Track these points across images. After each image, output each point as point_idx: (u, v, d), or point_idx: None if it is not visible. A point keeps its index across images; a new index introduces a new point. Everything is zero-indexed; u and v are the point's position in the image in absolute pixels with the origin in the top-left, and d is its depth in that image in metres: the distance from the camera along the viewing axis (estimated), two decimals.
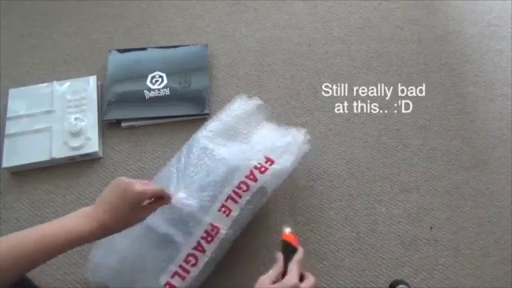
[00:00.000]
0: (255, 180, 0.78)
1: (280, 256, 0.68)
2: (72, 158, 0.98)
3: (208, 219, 0.76)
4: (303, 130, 0.87)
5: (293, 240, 0.71)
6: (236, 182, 0.78)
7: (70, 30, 1.17)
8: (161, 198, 0.71)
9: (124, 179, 0.65)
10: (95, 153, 0.98)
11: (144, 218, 0.67)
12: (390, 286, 0.85)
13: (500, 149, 1.00)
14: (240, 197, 0.78)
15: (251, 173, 0.78)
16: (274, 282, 0.64)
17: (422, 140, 1.01)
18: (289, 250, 0.69)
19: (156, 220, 0.78)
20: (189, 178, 0.80)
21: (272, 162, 0.80)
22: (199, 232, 0.76)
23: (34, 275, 0.82)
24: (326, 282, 0.86)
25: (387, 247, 0.89)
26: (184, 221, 0.77)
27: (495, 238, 0.90)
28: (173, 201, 0.74)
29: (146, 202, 0.67)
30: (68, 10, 1.21)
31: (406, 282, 0.84)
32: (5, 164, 0.96)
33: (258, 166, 0.79)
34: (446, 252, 0.89)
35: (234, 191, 0.78)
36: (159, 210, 0.72)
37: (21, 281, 0.74)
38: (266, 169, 0.79)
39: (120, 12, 1.20)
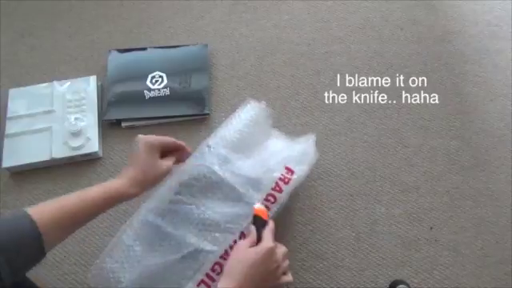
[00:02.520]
0: (281, 191, 0.78)
1: (253, 228, 0.72)
2: (72, 158, 0.98)
3: (239, 228, 0.76)
4: (312, 139, 0.88)
5: (263, 214, 0.74)
6: (264, 195, 0.78)
7: (70, 30, 1.17)
8: (178, 151, 0.79)
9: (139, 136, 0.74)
10: (95, 153, 0.98)
11: (168, 169, 0.74)
12: (390, 286, 0.85)
13: (500, 149, 1.00)
14: (269, 209, 0.78)
15: (277, 184, 0.79)
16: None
17: (422, 140, 1.01)
18: (260, 223, 0.73)
19: (178, 229, 0.78)
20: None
21: (293, 173, 0.81)
22: (227, 241, 0.75)
23: (33, 275, 0.82)
24: (326, 281, 0.86)
25: (387, 247, 0.89)
26: (207, 230, 0.77)
27: (495, 238, 0.90)
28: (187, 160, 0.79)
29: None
30: (68, 9, 1.21)
31: (406, 282, 0.84)
32: (5, 164, 0.96)
33: (282, 177, 0.79)
34: (445, 252, 0.89)
35: (263, 204, 0.77)
36: (181, 221, 0.77)
37: (20, 281, 0.74)
38: (290, 179, 0.80)
39: (120, 12, 1.20)
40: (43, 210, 0.60)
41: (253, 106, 0.88)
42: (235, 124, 0.85)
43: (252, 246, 0.69)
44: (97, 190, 0.66)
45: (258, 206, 0.75)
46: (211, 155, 0.80)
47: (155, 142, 0.73)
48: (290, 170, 0.81)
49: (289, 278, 0.72)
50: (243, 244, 0.69)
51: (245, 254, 0.67)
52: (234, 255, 0.69)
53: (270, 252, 0.67)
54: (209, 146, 0.80)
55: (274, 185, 0.79)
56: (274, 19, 1.18)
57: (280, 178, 0.79)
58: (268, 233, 0.71)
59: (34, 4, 1.22)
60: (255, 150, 0.85)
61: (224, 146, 0.82)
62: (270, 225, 0.73)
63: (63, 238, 0.64)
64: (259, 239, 0.71)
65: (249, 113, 0.87)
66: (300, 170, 0.81)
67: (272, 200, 0.78)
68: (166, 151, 0.77)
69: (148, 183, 0.72)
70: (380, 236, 0.90)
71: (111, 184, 0.68)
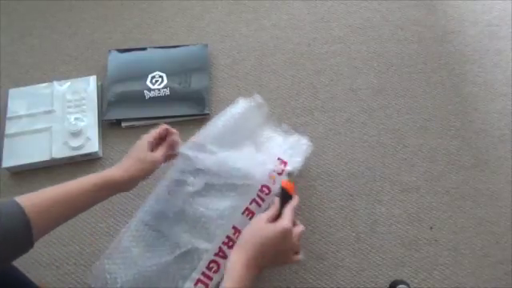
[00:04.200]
0: (274, 182, 0.79)
1: (277, 200, 0.74)
2: (72, 158, 0.98)
3: (231, 222, 0.76)
4: (304, 137, 0.89)
5: (290, 188, 0.76)
6: (259, 186, 0.78)
7: (70, 30, 1.17)
8: (170, 144, 0.80)
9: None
10: (95, 153, 0.98)
11: (155, 159, 0.75)
12: (390, 286, 0.85)
13: (500, 149, 1.00)
14: (263, 200, 0.78)
15: (270, 176, 0.79)
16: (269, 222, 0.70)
17: (422, 140, 1.01)
18: (286, 197, 0.74)
19: (173, 229, 0.79)
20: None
21: (285, 164, 0.81)
22: (220, 238, 0.76)
23: (34, 275, 0.82)
24: (326, 282, 0.86)
25: (387, 247, 0.89)
26: (201, 228, 0.78)
27: (495, 238, 0.90)
28: (180, 149, 0.81)
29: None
30: (68, 9, 1.21)
31: (406, 282, 0.84)
32: (5, 164, 0.96)
33: (275, 168, 0.80)
34: (445, 252, 0.89)
35: (257, 195, 0.78)
36: (175, 220, 0.78)
37: (21, 280, 0.74)
38: (283, 170, 0.80)
39: (120, 12, 1.20)
40: (31, 197, 0.60)
41: (243, 102, 0.89)
42: (222, 120, 0.86)
43: (271, 219, 0.70)
44: (88, 180, 0.67)
45: (287, 180, 0.77)
46: (200, 151, 0.81)
47: (145, 136, 0.77)
48: (282, 162, 0.82)
49: (299, 257, 0.71)
50: (262, 217, 0.70)
51: (261, 228, 0.68)
52: (250, 228, 0.70)
53: (286, 233, 0.67)
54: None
55: (267, 176, 0.79)
56: (273, 19, 1.18)
57: (274, 170, 0.80)
58: (288, 210, 0.71)
59: (33, 4, 1.22)
60: (245, 144, 0.86)
61: (211, 143, 0.83)
62: (293, 201, 0.74)
63: (54, 227, 0.62)
64: (280, 214, 0.71)
65: (237, 108, 0.88)
66: (295, 162, 0.82)
67: (266, 191, 0.78)
68: (159, 142, 0.80)
69: (137, 171, 0.73)
70: (380, 236, 0.90)
71: (104, 171, 0.70)
